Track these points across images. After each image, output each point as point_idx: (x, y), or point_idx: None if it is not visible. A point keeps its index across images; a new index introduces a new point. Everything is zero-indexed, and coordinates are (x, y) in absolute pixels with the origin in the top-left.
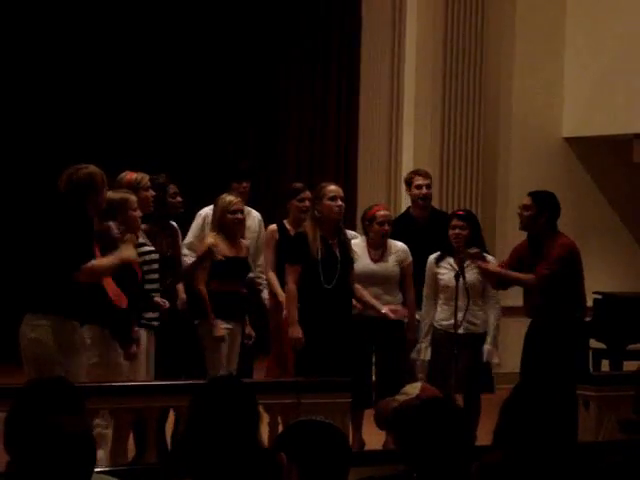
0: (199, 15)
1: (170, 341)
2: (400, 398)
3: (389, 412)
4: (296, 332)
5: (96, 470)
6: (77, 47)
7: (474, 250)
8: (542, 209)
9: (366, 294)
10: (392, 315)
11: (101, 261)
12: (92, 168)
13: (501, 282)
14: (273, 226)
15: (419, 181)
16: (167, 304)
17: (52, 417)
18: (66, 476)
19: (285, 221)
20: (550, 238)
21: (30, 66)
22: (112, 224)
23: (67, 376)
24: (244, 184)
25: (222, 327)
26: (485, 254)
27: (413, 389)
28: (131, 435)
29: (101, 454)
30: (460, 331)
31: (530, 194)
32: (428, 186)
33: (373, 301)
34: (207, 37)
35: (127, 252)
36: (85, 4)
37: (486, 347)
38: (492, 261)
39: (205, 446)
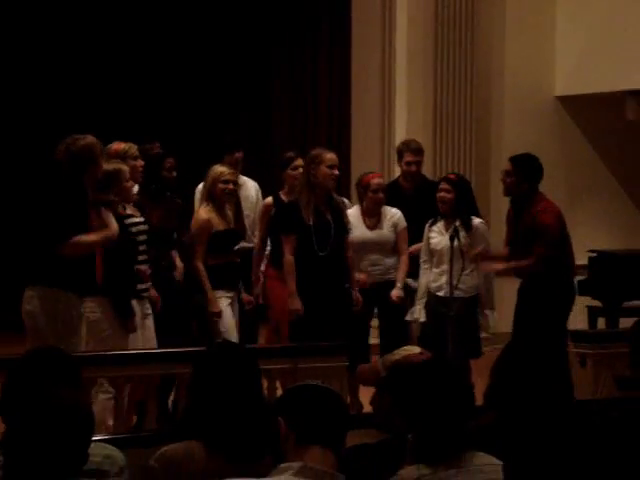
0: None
1: (170, 310)
2: (402, 353)
3: (384, 369)
4: (295, 303)
5: (96, 439)
6: (74, 27)
7: (478, 250)
8: (523, 174)
9: (354, 273)
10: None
11: (87, 236)
12: (90, 139)
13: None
14: (268, 199)
15: (409, 157)
16: (148, 271)
17: (47, 386)
18: (63, 445)
19: (281, 192)
20: (532, 201)
21: (26, 43)
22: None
23: (64, 346)
24: (236, 154)
25: (224, 297)
26: (473, 217)
27: (412, 348)
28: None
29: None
30: (451, 295)
31: (511, 159)
32: (417, 163)
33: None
34: (200, 19)
35: (113, 227)
36: None
37: (487, 312)
38: (480, 229)
39: (211, 409)
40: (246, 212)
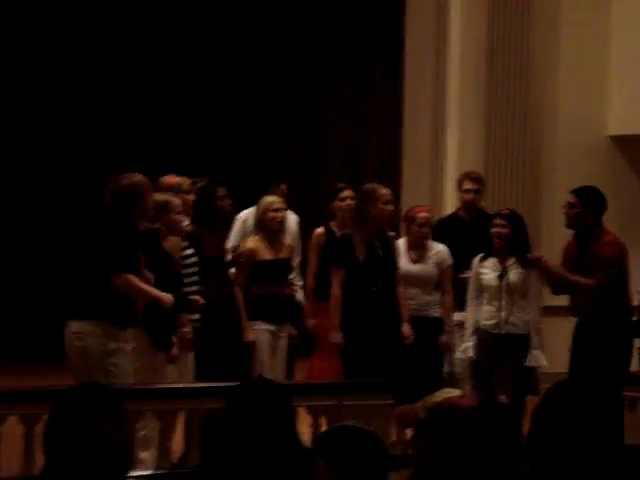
0: (239, 31)
1: (219, 340)
2: (442, 395)
3: (424, 411)
4: (336, 337)
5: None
6: (106, 48)
7: (536, 255)
8: (588, 205)
9: (405, 308)
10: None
11: (145, 285)
12: (136, 177)
13: (558, 286)
14: (320, 229)
15: (468, 185)
16: (201, 300)
17: (86, 422)
18: None
19: (332, 223)
20: (597, 234)
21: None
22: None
23: (115, 379)
24: (282, 186)
25: (257, 330)
26: (528, 255)
27: (453, 391)
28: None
29: (146, 455)
30: (501, 332)
31: (573, 191)
32: (477, 191)
33: (406, 317)
34: (250, 52)
35: (167, 296)
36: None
37: (533, 352)
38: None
39: (241, 448)
40: (289, 241)
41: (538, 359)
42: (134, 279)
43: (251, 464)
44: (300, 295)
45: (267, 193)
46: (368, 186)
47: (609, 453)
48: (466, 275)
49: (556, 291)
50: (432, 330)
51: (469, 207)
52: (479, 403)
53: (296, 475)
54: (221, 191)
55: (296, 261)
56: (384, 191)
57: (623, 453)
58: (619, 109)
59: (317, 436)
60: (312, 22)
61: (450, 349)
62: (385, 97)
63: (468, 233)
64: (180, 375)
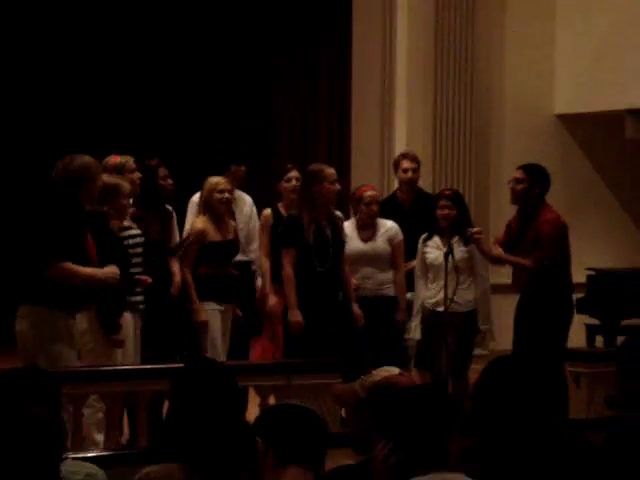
0: (192, 2)
1: (161, 323)
2: (382, 374)
3: (363, 390)
4: (296, 316)
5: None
6: (70, 33)
7: (475, 229)
8: (534, 182)
9: (351, 286)
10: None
11: (83, 269)
12: (87, 158)
13: (496, 261)
14: (267, 210)
15: (405, 164)
16: (149, 280)
17: (17, 405)
18: (30, 463)
19: (279, 204)
20: (540, 211)
21: (21, 54)
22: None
23: (55, 364)
24: (242, 167)
25: (206, 310)
26: (469, 228)
27: (392, 370)
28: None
29: (100, 438)
30: (446, 310)
31: (521, 167)
32: (414, 170)
33: (353, 296)
34: (200, 24)
35: (109, 272)
36: None
37: (482, 327)
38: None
39: (187, 428)
40: (240, 225)
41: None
42: (70, 267)
43: (196, 444)
44: (259, 281)
45: (225, 174)
46: (314, 166)
47: (549, 426)
48: (408, 267)
49: (493, 262)
50: (388, 309)
51: (409, 187)
52: (419, 382)
53: (238, 454)
54: (162, 171)
55: (255, 244)
56: (330, 171)
57: (566, 426)
58: (566, 88)
59: (258, 415)
60: (262, 9)
61: (405, 327)
62: (334, 81)
63: (406, 214)
64: (133, 356)
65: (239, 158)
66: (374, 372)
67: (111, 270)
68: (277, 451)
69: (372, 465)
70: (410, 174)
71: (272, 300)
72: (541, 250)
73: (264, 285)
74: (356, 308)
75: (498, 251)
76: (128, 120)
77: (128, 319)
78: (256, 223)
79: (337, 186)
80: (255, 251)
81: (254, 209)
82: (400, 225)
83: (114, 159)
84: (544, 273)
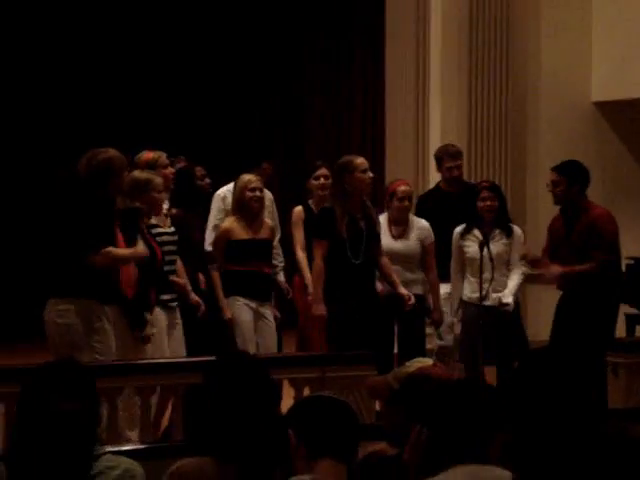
0: (221, 14)
1: (197, 321)
2: (415, 365)
3: (397, 382)
4: (320, 309)
5: (115, 449)
6: (100, 30)
7: (535, 257)
8: (572, 181)
9: (393, 273)
10: (409, 302)
11: (119, 250)
12: (111, 152)
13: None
14: (299, 207)
15: (449, 163)
16: (182, 282)
17: (50, 400)
18: (64, 457)
19: (310, 201)
20: (584, 207)
21: (45, 53)
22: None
23: (98, 356)
24: (264, 165)
25: (236, 305)
26: (510, 225)
27: (426, 360)
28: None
29: (133, 435)
30: (487, 303)
31: (554, 169)
32: (458, 167)
33: (397, 281)
34: (232, 22)
35: (143, 248)
36: None
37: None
38: (518, 233)
39: (219, 422)
40: (271, 222)
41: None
42: (110, 250)
43: (227, 438)
44: (281, 276)
45: (250, 172)
46: (344, 158)
47: (588, 417)
48: None
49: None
50: (413, 308)
51: (455, 183)
52: (456, 376)
53: (270, 447)
54: (199, 171)
55: (276, 239)
56: (359, 160)
57: (605, 417)
58: (602, 75)
59: (290, 407)
60: (294, 5)
61: (441, 325)
62: (368, 73)
63: (453, 205)
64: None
65: (268, 156)
66: (407, 364)
67: (143, 248)
68: (309, 443)
69: (404, 452)
70: (455, 172)
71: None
72: (602, 249)
73: (305, 279)
74: (403, 290)
75: (556, 268)
76: (157, 117)
77: (159, 316)
78: (276, 222)
79: (369, 174)
80: (275, 247)
81: (274, 205)
82: (447, 216)
83: (147, 155)
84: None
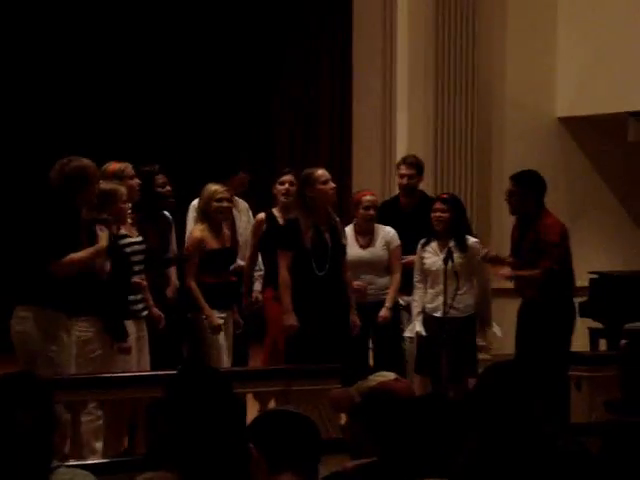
0: (193, 8)
1: (163, 332)
2: (378, 379)
3: (359, 395)
4: (291, 319)
5: (77, 463)
6: (71, 39)
7: (492, 254)
8: (527, 190)
9: (352, 292)
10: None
11: (80, 254)
12: (85, 161)
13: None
14: (261, 215)
15: (402, 170)
16: (144, 283)
17: (2, 411)
18: (17, 471)
19: (273, 209)
20: (537, 217)
21: (21, 59)
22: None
23: (55, 367)
24: (241, 174)
25: (218, 317)
26: (468, 236)
27: (388, 375)
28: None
29: (99, 446)
30: (445, 315)
31: (512, 178)
32: (411, 176)
33: (353, 305)
34: (199, 28)
35: (102, 242)
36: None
37: (486, 329)
38: (475, 243)
39: (181, 436)
40: (240, 231)
41: (488, 335)
42: (70, 257)
43: (189, 452)
44: (258, 285)
45: (226, 181)
46: (306, 171)
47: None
48: (406, 260)
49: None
50: (392, 313)
51: (406, 192)
52: (417, 388)
53: (232, 461)
54: (161, 178)
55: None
56: (320, 172)
57: (563, 431)
58: (568, 90)
59: (252, 421)
60: (261, 17)
61: (386, 322)
62: (335, 86)
63: (407, 217)
64: (137, 363)
65: (241, 165)
66: (370, 377)
67: (102, 242)
68: (270, 457)
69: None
70: (406, 180)
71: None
72: (548, 257)
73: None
74: (353, 317)
75: (506, 270)
76: (128, 127)
77: (130, 327)
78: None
79: (331, 185)
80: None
81: (250, 214)
82: (401, 228)
83: (113, 166)
84: (549, 277)
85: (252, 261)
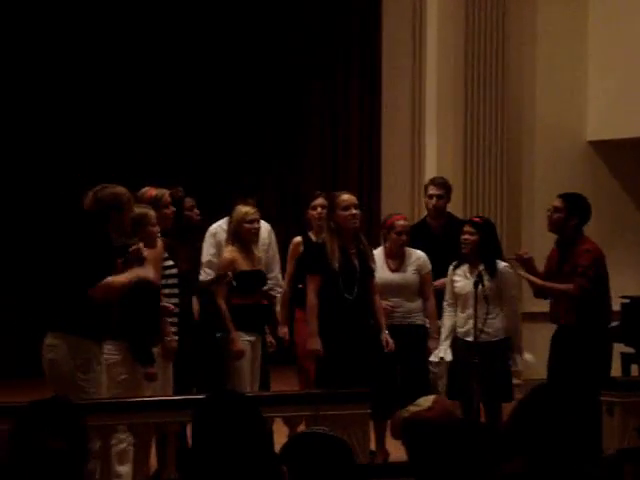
0: (218, 28)
1: (188, 355)
2: (411, 409)
3: (399, 422)
4: (315, 344)
5: None
6: (91, 59)
7: (527, 256)
8: (573, 212)
9: (381, 314)
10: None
11: (116, 277)
12: (119, 188)
13: (541, 292)
14: (297, 239)
15: (431, 191)
16: (171, 307)
17: (35, 438)
18: None
19: (310, 232)
20: (577, 242)
21: (49, 81)
22: (140, 245)
23: (86, 395)
24: (249, 201)
25: (243, 340)
26: (498, 261)
27: (426, 401)
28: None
29: (126, 470)
30: (476, 340)
31: (561, 196)
32: (440, 197)
33: (383, 324)
34: (226, 50)
35: (144, 270)
36: (96, 14)
37: (515, 356)
38: (503, 270)
39: (210, 461)
40: (259, 253)
41: (517, 362)
42: (107, 281)
43: (219, 476)
44: (278, 306)
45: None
46: (333, 194)
47: (585, 457)
48: (437, 283)
49: (537, 295)
50: (418, 337)
51: (435, 213)
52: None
53: None
54: (188, 202)
55: (276, 270)
56: (344, 197)
57: (600, 459)
58: (597, 114)
59: (285, 443)
60: (287, 37)
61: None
62: (365, 109)
63: (436, 239)
64: (161, 388)
65: (244, 192)
66: (408, 407)
67: (148, 269)
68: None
69: None
70: (435, 201)
71: (283, 331)
72: (580, 276)
73: (280, 314)
74: (386, 335)
75: (535, 279)
76: (152, 149)
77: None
78: (275, 252)
79: (353, 211)
80: (274, 279)
81: (273, 236)
82: (429, 250)
83: (150, 192)
84: (585, 301)
85: (290, 284)
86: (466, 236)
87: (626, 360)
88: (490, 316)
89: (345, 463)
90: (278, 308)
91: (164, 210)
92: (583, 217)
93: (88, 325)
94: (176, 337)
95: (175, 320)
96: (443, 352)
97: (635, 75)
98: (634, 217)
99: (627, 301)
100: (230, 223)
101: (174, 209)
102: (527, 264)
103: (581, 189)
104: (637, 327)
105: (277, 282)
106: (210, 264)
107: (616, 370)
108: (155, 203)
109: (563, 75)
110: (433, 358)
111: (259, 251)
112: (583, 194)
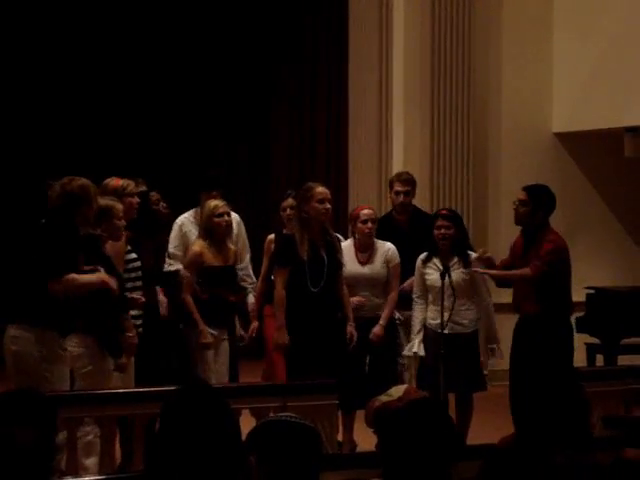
0: (188, 23)
1: (154, 346)
2: (382, 399)
3: (371, 412)
4: (282, 337)
5: None
6: (66, 50)
7: (486, 255)
8: (538, 204)
9: (350, 306)
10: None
11: (82, 276)
12: (84, 180)
13: (502, 282)
14: (271, 236)
15: (397, 187)
16: (142, 299)
17: (4, 429)
18: None
19: (284, 230)
20: (543, 232)
21: (16, 74)
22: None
23: (50, 386)
24: (213, 193)
25: (209, 334)
26: (470, 252)
27: (397, 391)
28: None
29: (90, 462)
30: (446, 331)
31: (525, 188)
32: (406, 193)
33: (351, 317)
34: (196, 46)
35: (112, 281)
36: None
37: (489, 346)
38: (474, 258)
39: (177, 452)
40: (234, 248)
41: (493, 354)
42: (71, 276)
43: (189, 467)
44: (251, 297)
45: (199, 199)
46: (305, 185)
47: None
48: (405, 284)
49: (500, 286)
50: (387, 329)
51: (401, 209)
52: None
53: (229, 474)
54: (154, 195)
55: (246, 260)
56: (319, 189)
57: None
58: (564, 106)
59: (251, 430)
60: (255, 31)
61: (379, 341)
62: (332, 104)
63: (402, 233)
64: (123, 382)
65: (208, 184)
66: (379, 397)
67: (109, 278)
68: (270, 469)
69: None
70: (401, 197)
71: (252, 326)
72: (538, 259)
73: (254, 310)
74: (351, 328)
75: (494, 271)
76: (118, 142)
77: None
78: (245, 242)
79: (326, 206)
80: (243, 269)
81: (242, 227)
82: (397, 244)
83: (115, 182)
84: (545, 291)
85: (264, 284)
86: (443, 230)
87: (591, 350)
88: (463, 308)
89: (313, 448)
90: (250, 299)
91: (129, 199)
92: (548, 209)
93: (51, 317)
94: (140, 329)
95: (140, 313)
96: (416, 347)
97: (601, 67)
98: (599, 208)
99: (592, 292)
100: (201, 218)
101: (138, 200)
102: (487, 262)
103: (547, 180)
104: (602, 317)
105: (247, 272)
106: (174, 255)
107: (581, 360)
108: (120, 192)
109: (529, 68)
110: (407, 352)
111: (234, 244)
112: (549, 185)
